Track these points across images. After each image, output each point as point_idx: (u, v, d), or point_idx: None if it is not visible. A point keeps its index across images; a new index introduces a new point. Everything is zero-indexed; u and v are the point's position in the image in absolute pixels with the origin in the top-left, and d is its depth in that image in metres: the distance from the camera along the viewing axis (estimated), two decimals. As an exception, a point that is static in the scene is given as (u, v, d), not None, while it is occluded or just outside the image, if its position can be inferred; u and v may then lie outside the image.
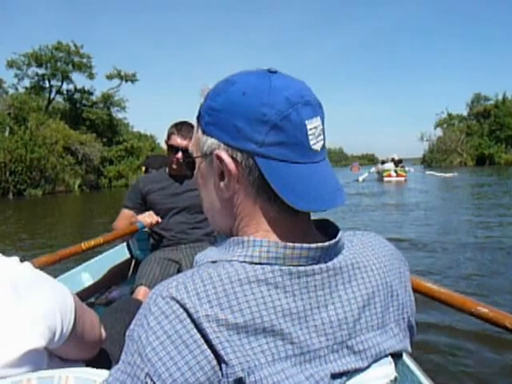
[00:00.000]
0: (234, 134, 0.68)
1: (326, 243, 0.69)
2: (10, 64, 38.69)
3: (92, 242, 2.39)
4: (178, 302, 0.63)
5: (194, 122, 0.91)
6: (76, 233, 12.14)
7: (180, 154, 2.65)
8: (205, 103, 0.73)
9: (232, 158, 0.69)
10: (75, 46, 39.78)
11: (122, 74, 43.22)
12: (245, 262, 0.67)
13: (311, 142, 0.67)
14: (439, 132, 70.84)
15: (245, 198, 0.71)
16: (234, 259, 0.68)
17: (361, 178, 30.34)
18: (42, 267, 1.62)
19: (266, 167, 0.67)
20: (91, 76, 41.07)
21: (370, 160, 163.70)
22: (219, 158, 0.69)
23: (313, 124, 0.67)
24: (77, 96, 42.12)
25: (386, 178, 29.13)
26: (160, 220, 2.72)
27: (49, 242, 10.11)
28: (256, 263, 0.67)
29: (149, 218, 2.67)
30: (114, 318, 1.53)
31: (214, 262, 0.69)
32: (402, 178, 29.00)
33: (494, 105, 63.80)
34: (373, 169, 36.05)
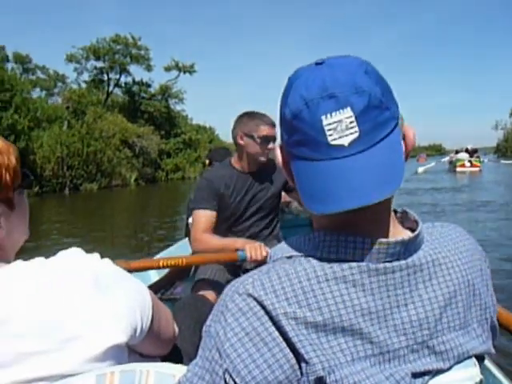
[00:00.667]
0: (280, 135, 0.75)
1: (406, 237, 0.67)
2: (69, 58, 38.81)
3: (172, 262, 2.24)
4: (255, 298, 0.64)
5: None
6: (130, 228, 11.71)
7: (271, 145, 2.42)
8: None
9: (282, 155, 0.75)
10: (133, 38, 39.30)
11: (180, 65, 42.46)
12: (321, 257, 0.67)
13: (330, 138, 0.65)
14: (509, 120, 66.36)
15: None
16: (311, 254, 0.68)
17: (421, 169, 28.56)
18: None
19: (292, 164, 0.70)
20: (149, 68, 40.43)
21: (437, 150, 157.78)
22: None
23: (335, 117, 0.64)
24: (135, 89, 41.63)
25: (458, 169, 28.44)
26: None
27: (103, 238, 9.73)
28: (333, 259, 0.66)
29: (256, 251, 2.20)
30: (183, 314, 1.57)
31: (289, 257, 0.69)
32: (477, 169, 28.28)
33: None
34: (445, 158, 36.41)
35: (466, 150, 31.31)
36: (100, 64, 39.63)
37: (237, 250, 2.25)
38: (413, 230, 0.72)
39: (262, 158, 2.47)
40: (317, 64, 0.69)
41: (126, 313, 0.87)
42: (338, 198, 0.62)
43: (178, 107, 45.37)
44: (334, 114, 0.64)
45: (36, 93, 36.40)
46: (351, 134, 0.64)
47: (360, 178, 0.63)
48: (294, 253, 0.69)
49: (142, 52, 39.96)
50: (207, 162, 4.01)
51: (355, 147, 0.64)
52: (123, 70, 40.08)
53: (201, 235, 2.39)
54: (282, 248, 0.73)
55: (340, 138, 0.64)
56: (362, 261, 0.65)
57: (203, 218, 2.41)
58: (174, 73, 42.72)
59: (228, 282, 2.34)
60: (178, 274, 3.42)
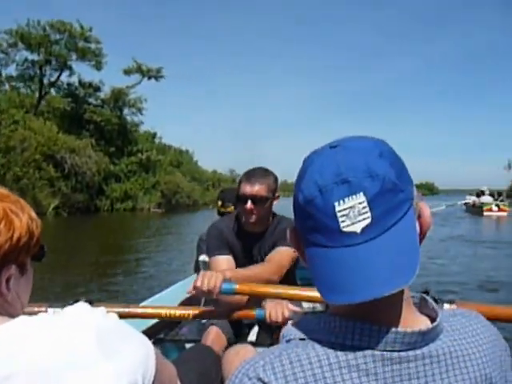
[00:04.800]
0: (293, 219, 0.73)
1: (424, 328, 0.66)
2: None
3: (177, 313, 1.95)
4: (264, 383, 0.64)
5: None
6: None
7: (249, 204, 2.30)
8: None
9: (296, 239, 0.74)
10: (81, 26, 30.91)
11: (144, 68, 34.21)
12: (335, 343, 0.66)
13: (342, 224, 0.64)
14: None
15: None
16: (325, 339, 0.67)
17: None
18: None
19: (306, 249, 0.70)
20: (98, 66, 31.94)
21: (429, 189, 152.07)
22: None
23: (348, 203, 0.64)
24: (79, 91, 33.20)
25: (486, 213, 27.33)
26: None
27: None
28: (347, 346, 0.65)
29: (277, 312, 1.95)
30: (187, 367, 1.50)
31: (302, 339, 0.69)
32: (505, 214, 27.21)
33: None
34: (463, 201, 33.80)
35: (482, 193, 30.56)
36: (33, 56, 30.80)
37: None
38: (431, 318, 0.70)
39: (243, 219, 2.38)
40: (331, 147, 0.69)
41: (127, 372, 0.85)
42: (350, 289, 0.62)
43: (149, 122, 36.64)
44: (346, 199, 0.63)
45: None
46: (363, 219, 0.63)
47: (372, 268, 0.62)
48: (308, 335, 0.68)
49: (92, 45, 31.54)
50: (220, 203, 3.64)
51: (367, 234, 0.64)
52: (64, 66, 31.45)
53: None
54: (296, 329, 0.71)
55: (352, 224, 0.63)
56: (377, 349, 0.64)
57: (222, 262, 2.38)
58: (136, 78, 34.42)
59: (239, 324, 2.44)
60: None
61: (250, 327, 2.60)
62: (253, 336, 2.60)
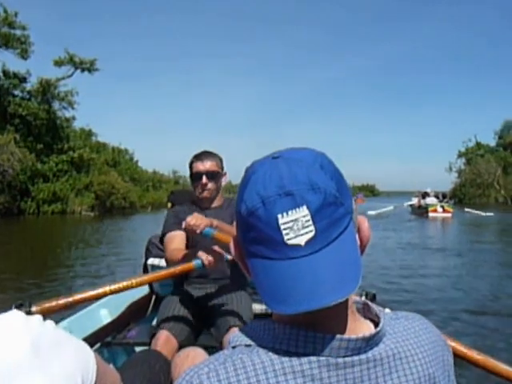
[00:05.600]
0: (235, 229, 0.73)
1: (367, 334, 0.67)
2: None
3: (120, 285, 1.98)
4: None
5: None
6: None
7: (204, 179, 2.60)
8: None
9: (237, 249, 0.73)
10: (5, 11, 28.01)
11: (76, 59, 31.59)
12: (280, 350, 0.66)
13: (286, 237, 0.64)
14: (461, 162, 63.05)
15: None
16: (270, 346, 0.67)
17: (373, 213, 26.93)
18: (49, 313, 1.39)
19: (248, 261, 0.70)
20: (24, 55, 29.05)
21: (371, 191, 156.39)
22: None
23: (291, 216, 0.64)
24: (2, 82, 29.81)
25: (431, 214, 28.16)
26: (226, 257, 2.28)
27: None
28: (292, 353, 0.66)
29: (213, 255, 2.20)
30: (134, 372, 1.49)
31: (248, 345, 0.69)
32: (449, 215, 27.97)
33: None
34: (409, 202, 34.34)
35: (426, 194, 31.54)
36: None
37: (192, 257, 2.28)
38: (375, 322, 0.72)
39: (199, 195, 2.65)
40: (273, 158, 0.69)
41: (64, 379, 0.83)
42: (295, 299, 0.62)
43: (83, 117, 33.86)
44: (290, 212, 0.63)
45: None
46: (307, 232, 0.63)
47: (317, 279, 0.63)
48: (254, 341, 0.68)
49: (17, 32, 28.63)
50: (169, 205, 3.73)
51: (311, 246, 0.64)
52: (-17, 53, 28.37)
53: (171, 251, 2.45)
54: (242, 335, 0.71)
55: (296, 237, 0.63)
56: (322, 355, 0.64)
57: (175, 237, 2.55)
58: (68, 70, 31.69)
59: (190, 327, 2.46)
60: (133, 315, 3.16)
61: (201, 329, 2.58)
62: (203, 338, 2.56)
